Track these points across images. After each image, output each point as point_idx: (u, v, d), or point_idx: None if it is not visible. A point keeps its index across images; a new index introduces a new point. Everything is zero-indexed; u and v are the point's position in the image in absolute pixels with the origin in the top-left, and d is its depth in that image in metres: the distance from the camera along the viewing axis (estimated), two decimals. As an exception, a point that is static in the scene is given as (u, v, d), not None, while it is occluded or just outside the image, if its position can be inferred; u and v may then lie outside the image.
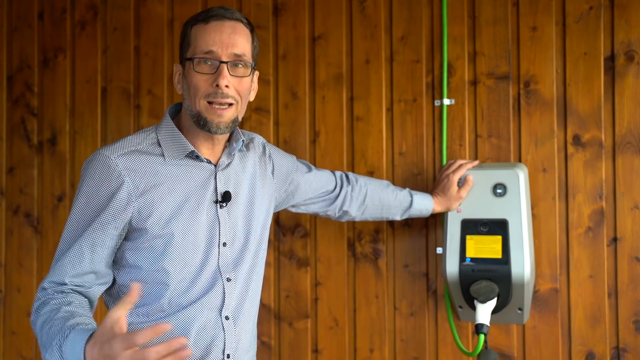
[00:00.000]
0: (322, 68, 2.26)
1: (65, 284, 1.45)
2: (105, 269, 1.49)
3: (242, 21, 1.52)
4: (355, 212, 1.94)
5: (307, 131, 2.27)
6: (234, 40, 1.48)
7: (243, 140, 1.61)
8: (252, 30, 1.55)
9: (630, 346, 1.98)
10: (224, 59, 1.47)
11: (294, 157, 1.86)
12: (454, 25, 2.14)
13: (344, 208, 1.92)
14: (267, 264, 2.26)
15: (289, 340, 2.27)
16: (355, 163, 2.22)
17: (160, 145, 1.52)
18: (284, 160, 1.78)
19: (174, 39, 2.41)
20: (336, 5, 2.26)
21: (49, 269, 2.59)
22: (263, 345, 2.28)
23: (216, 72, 1.46)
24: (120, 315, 1.19)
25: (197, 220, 1.51)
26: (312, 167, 1.89)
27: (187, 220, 1.50)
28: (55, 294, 1.44)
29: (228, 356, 1.54)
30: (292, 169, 1.80)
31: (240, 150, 1.63)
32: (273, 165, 1.73)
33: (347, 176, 1.94)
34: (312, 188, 1.86)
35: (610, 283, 2.00)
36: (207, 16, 1.49)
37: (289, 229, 2.28)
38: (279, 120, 2.29)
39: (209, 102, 1.47)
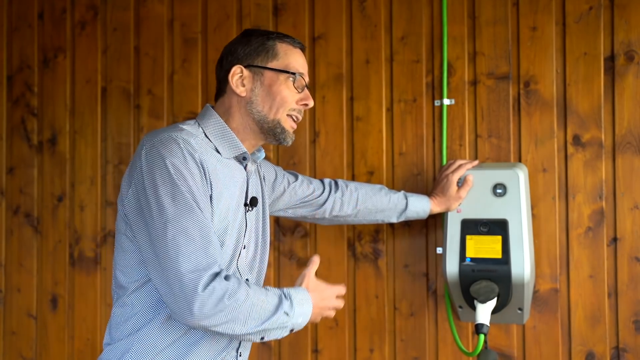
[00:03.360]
0: (322, 68, 2.26)
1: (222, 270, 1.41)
2: None
3: None
4: (348, 215, 1.96)
5: (307, 131, 2.27)
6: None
7: (263, 151, 1.71)
8: None
9: (630, 346, 1.98)
10: (307, 83, 1.63)
11: (280, 168, 1.92)
12: (454, 25, 2.14)
13: (334, 213, 1.94)
14: (267, 264, 2.26)
15: (289, 340, 2.27)
16: (355, 163, 2.22)
17: (210, 140, 1.54)
18: (270, 168, 1.84)
19: (174, 39, 2.41)
20: (336, 5, 2.26)
21: (49, 268, 2.59)
22: (263, 345, 2.28)
23: (304, 93, 1.61)
24: (313, 273, 1.55)
25: (236, 220, 1.55)
26: (300, 176, 1.93)
27: (232, 218, 1.53)
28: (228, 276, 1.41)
29: (240, 354, 1.59)
30: (279, 177, 1.86)
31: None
32: (263, 173, 1.79)
33: (336, 182, 1.97)
34: (297, 195, 1.90)
35: (610, 283, 2.00)
36: (293, 41, 1.63)
37: (289, 229, 2.28)
38: (279, 120, 2.29)
39: (289, 116, 1.60)
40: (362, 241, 2.21)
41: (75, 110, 2.52)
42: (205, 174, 1.45)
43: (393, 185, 2.18)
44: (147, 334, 1.46)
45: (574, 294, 2.03)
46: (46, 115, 2.55)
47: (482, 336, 1.83)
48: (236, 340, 1.55)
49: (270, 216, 1.92)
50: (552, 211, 2.04)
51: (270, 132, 1.58)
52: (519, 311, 1.95)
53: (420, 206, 1.99)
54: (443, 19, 2.14)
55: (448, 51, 2.14)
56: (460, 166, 2.01)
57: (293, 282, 2.25)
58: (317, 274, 2.24)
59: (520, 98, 2.08)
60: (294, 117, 1.61)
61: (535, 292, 2.04)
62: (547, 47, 2.06)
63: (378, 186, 2.01)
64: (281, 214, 1.92)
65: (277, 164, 2.27)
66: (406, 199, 1.98)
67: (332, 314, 1.59)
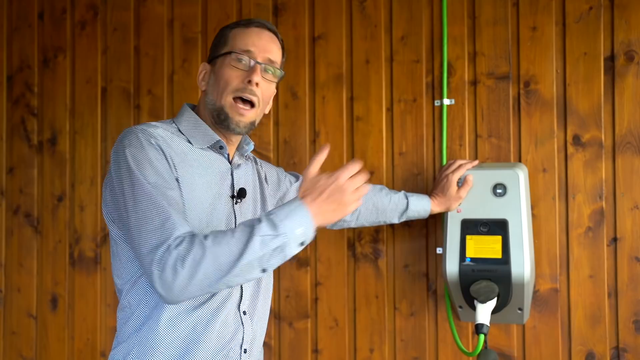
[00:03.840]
0: (322, 68, 2.26)
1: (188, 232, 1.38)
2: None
3: (278, 37, 1.61)
4: (349, 218, 1.96)
5: (307, 131, 2.27)
6: (270, 47, 1.56)
7: (254, 144, 1.67)
8: (283, 48, 1.63)
9: (630, 346, 1.98)
10: (259, 60, 1.54)
11: (282, 168, 1.91)
12: (454, 25, 2.14)
13: None
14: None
15: (289, 340, 2.27)
16: (355, 163, 2.22)
17: (183, 134, 1.55)
18: (272, 170, 1.84)
19: (174, 39, 2.41)
20: (336, 5, 2.26)
21: (49, 268, 2.59)
22: (263, 345, 2.28)
23: (250, 70, 1.52)
24: (316, 170, 1.39)
25: (218, 211, 1.54)
26: (301, 176, 1.91)
27: (210, 208, 1.52)
28: (191, 234, 1.36)
29: (245, 351, 1.57)
30: (282, 178, 1.86)
31: (246, 156, 1.69)
32: (265, 173, 1.78)
33: None
34: None
35: (610, 283, 2.00)
36: (248, 22, 1.58)
37: (289, 229, 2.28)
38: (279, 120, 2.30)
39: (235, 99, 1.52)
40: (362, 241, 2.21)
41: (75, 110, 2.52)
42: (168, 161, 1.45)
43: (393, 185, 2.18)
44: (147, 333, 1.47)
45: (574, 294, 2.03)
46: (46, 115, 2.55)
47: (482, 336, 1.83)
48: (238, 335, 1.54)
49: None
50: (552, 211, 2.04)
51: (218, 120, 1.54)
52: (519, 311, 1.95)
53: (421, 206, 1.99)
54: (443, 19, 2.14)
55: (448, 51, 2.14)
56: (460, 166, 2.01)
57: (293, 282, 2.26)
58: (318, 274, 2.25)
59: (520, 98, 2.08)
60: (243, 97, 1.52)
61: (535, 292, 2.04)
62: (547, 47, 2.06)
63: (378, 186, 2.01)
64: None
65: (277, 164, 2.28)
66: (407, 198, 1.99)
67: (353, 204, 1.40)
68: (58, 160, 2.52)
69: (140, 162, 1.41)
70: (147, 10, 2.45)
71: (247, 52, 1.53)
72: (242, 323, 1.56)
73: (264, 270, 1.35)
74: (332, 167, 2.22)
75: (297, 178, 1.91)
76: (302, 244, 1.36)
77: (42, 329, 2.51)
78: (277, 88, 1.63)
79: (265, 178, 1.77)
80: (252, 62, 1.53)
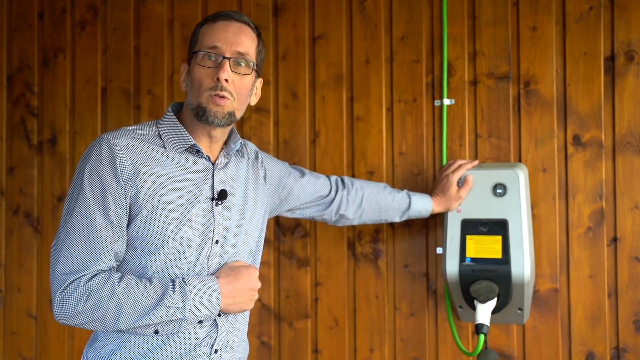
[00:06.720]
0: (322, 68, 2.26)
1: (105, 270, 1.45)
2: (124, 249, 1.49)
3: (249, 25, 1.58)
4: (353, 215, 1.95)
5: (307, 131, 2.27)
6: (238, 39, 1.54)
7: (241, 142, 1.64)
8: (258, 36, 1.61)
9: (630, 346, 1.98)
10: (227, 55, 1.52)
11: (287, 163, 1.88)
12: (454, 25, 2.14)
13: (341, 212, 1.93)
14: (267, 264, 2.27)
15: (289, 340, 2.27)
16: (355, 163, 2.22)
17: (161, 138, 1.55)
18: (276, 167, 1.81)
19: (174, 39, 2.41)
20: (336, 5, 2.26)
21: (49, 269, 2.58)
22: (263, 345, 2.28)
23: (218, 67, 1.51)
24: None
25: (192, 215, 1.52)
26: (307, 172, 1.90)
27: (182, 212, 1.51)
28: (108, 272, 1.44)
29: (216, 351, 1.55)
30: (285, 175, 1.83)
31: (235, 154, 1.66)
32: (265, 171, 1.75)
33: (342, 180, 1.96)
34: (306, 193, 1.88)
35: (610, 283, 2.00)
36: (215, 16, 1.56)
37: (289, 229, 2.28)
38: (279, 120, 2.30)
39: (210, 96, 1.52)
40: (362, 241, 2.21)
41: (75, 110, 2.52)
42: (121, 178, 1.46)
43: (393, 185, 2.18)
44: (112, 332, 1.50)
45: (574, 294, 2.03)
46: (46, 115, 2.55)
47: (482, 336, 1.83)
48: (211, 336, 1.53)
49: (274, 216, 1.90)
50: (552, 211, 2.04)
51: (198, 117, 1.53)
52: (519, 311, 1.95)
53: (422, 205, 1.99)
54: (443, 19, 2.14)
55: (448, 51, 2.14)
56: (460, 166, 2.01)
57: (293, 282, 2.26)
58: (318, 274, 2.25)
59: (520, 98, 2.08)
60: (217, 95, 1.51)
61: (535, 292, 2.04)
62: (547, 47, 2.06)
63: (382, 185, 2.01)
64: (289, 214, 1.90)
65: (277, 164, 2.27)
66: (409, 198, 1.98)
67: (252, 303, 1.56)
68: (58, 160, 2.52)
69: (92, 181, 1.46)
70: (147, 10, 2.45)
71: (214, 48, 1.52)
72: (217, 325, 1.54)
73: (156, 332, 1.45)
74: (332, 167, 2.23)
75: (302, 174, 1.88)
76: (200, 322, 1.46)
77: (42, 329, 2.51)
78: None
79: (265, 176, 1.75)
80: (220, 58, 1.51)
